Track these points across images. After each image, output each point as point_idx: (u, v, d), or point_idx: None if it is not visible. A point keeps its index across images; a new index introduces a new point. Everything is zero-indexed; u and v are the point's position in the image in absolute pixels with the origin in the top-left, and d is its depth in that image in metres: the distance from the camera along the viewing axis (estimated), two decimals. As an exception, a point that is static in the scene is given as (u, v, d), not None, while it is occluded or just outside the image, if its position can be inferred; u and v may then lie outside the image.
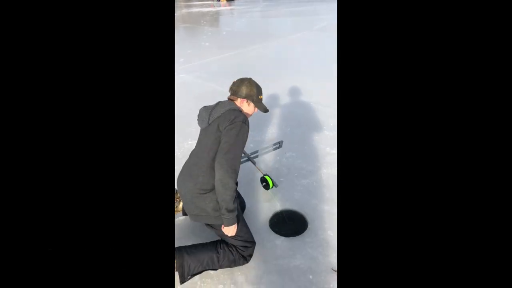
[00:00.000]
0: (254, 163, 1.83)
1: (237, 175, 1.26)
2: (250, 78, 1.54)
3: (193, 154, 1.45)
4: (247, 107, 1.51)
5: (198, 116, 1.50)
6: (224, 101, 1.47)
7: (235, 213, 1.27)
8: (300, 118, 2.96)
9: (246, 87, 1.49)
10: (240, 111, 1.43)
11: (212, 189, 1.30)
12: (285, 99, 3.47)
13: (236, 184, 1.30)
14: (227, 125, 1.32)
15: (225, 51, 5.95)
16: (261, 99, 1.56)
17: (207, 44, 6.81)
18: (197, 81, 4.24)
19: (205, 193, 1.30)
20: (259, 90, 1.54)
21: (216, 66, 4.96)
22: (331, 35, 7.03)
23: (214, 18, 11.05)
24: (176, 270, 1.31)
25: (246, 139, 1.36)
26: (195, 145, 1.48)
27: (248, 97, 1.49)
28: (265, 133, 2.68)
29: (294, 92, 3.67)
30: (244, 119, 1.36)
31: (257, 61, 5.22)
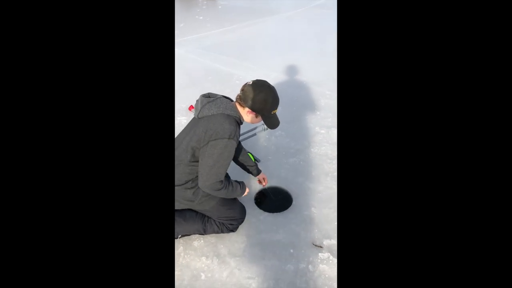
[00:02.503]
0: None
1: (221, 182, 1.27)
2: (271, 87, 1.29)
3: (177, 139, 1.37)
4: (253, 118, 1.32)
5: (196, 101, 1.36)
6: (223, 100, 1.30)
7: (238, 189, 1.39)
8: (292, 97, 2.94)
9: (261, 100, 1.25)
10: (233, 119, 1.26)
11: (181, 184, 1.31)
12: (278, 78, 3.41)
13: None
14: (211, 139, 1.20)
15: (219, 26, 5.75)
16: (274, 113, 1.33)
17: (201, 18, 6.56)
18: (189, 56, 4.13)
19: (175, 186, 1.32)
20: (274, 103, 1.29)
21: (209, 41, 4.82)
22: (329, 13, 6.82)
23: (210, -9, 10.58)
24: None
25: (233, 153, 1.25)
26: (183, 122, 1.45)
27: (260, 111, 1.29)
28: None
29: (288, 70, 3.60)
30: (231, 133, 1.21)
31: (252, 38, 5.08)
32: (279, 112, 1.38)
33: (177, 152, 1.31)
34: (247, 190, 1.46)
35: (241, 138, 2.20)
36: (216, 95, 1.36)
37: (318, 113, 2.65)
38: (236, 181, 1.41)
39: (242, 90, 1.30)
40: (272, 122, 1.35)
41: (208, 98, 1.32)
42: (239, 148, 1.64)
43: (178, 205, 1.39)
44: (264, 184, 1.73)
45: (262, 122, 1.36)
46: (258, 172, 1.71)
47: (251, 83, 1.29)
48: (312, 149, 2.16)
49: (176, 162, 1.30)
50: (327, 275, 1.31)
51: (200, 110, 1.28)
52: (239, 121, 1.32)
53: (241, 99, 1.29)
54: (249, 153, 1.80)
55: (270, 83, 1.31)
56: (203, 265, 1.36)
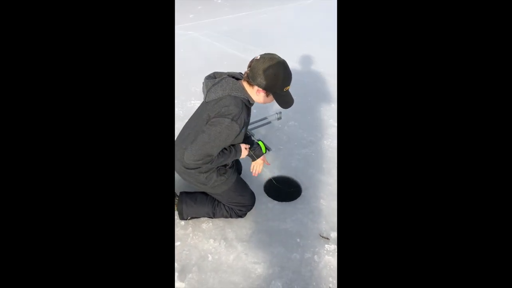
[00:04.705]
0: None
1: (209, 160, 1.20)
2: (281, 61, 1.14)
3: (189, 123, 1.36)
4: (264, 97, 1.20)
5: (202, 83, 1.31)
6: (228, 80, 1.20)
7: (229, 157, 1.29)
8: (308, 88, 2.89)
9: (272, 76, 1.12)
10: (239, 100, 1.17)
11: (194, 168, 1.31)
12: (293, 67, 3.35)
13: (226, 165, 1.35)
14: (215, 116, 1.15)
15: (238, 10, 5.66)
16: (287, 90, 1.19)
17: (219, 1, 6.46)
18: (206, 39, 4.09)
19: (188, 169, 1.32)
20: (287, 79, 1.16)
21: (226, 26, 4.75)
22: (351, 3, 6.60)
23: (229, -27, 10.35)
24: (176, 210, 1.47)
25: (233, 138, 1.19)
26: (196, 106, 1.45)
27: (269, 89, 1.15)
28: (269, 99, 2.64)
29: (304, 60, 3.54)
30: (235, 115, 1.13)
31: (270, 25, 4.98)
32: (295, 101, 1.33)
33: (188, 136, 1.31)
34: (243, 151, 1.35)
35: (253, 126, 2.18)
36: (222, 74, 1.28)
37: (333, 105, 2.61)
38: (227, 148, 1.29)
39: (250, 66, 1.17)
40: (285, 101, 1.21)
41: (214, 79, 1.24)
42: (245, 137, 1.52)
43: (192, 187, 1.41)
44: (255, 173, 1.53)
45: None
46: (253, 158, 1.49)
47: (259, 57, 1.16)
48: (325, 141, 2.14)
49: (183, 148, 1.29)
50: (332, 266, 1.32)
51: (207, 94, 1.22)
52: (247, 103, 1.23)
53: (249, 76, 1.17)
54: (260, 141, 1.80)
55: (280, 56, 1.18)
56: (210, 247, 1.39)
